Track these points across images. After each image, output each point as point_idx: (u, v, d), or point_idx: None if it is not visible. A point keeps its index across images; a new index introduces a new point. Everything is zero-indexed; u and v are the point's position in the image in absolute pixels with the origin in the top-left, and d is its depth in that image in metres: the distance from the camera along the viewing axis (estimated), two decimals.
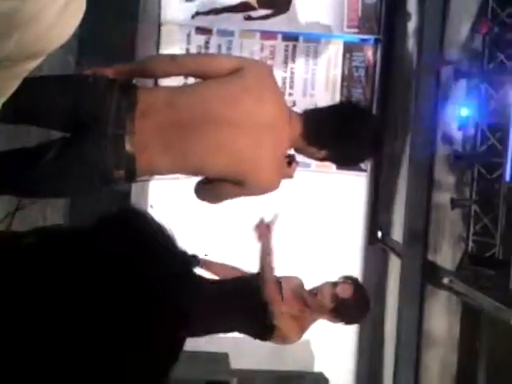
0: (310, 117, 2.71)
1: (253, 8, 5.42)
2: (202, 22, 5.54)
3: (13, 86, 1.36)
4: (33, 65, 1.32)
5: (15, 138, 3.24)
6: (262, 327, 3.53)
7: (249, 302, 3.57)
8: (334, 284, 3.72)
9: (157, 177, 5.50)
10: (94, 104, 2.54)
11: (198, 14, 5.52)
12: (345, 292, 3.66)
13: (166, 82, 5.46)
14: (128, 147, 2.50)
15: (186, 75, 2.84)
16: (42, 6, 1.19)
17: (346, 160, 2.97)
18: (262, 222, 3.68)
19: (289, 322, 3.57)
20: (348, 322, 3.84)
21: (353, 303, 3.66)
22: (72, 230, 0.96)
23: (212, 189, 2.70)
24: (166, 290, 0.91)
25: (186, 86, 2.73)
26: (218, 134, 2.56)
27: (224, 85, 2.61)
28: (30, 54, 1.28)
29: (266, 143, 2.59)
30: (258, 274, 3.66)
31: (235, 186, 2.63)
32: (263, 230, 3.68)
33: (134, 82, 2.74)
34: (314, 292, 3.73)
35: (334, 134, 2.67)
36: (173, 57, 2.84)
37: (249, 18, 5.51)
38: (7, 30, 1.18)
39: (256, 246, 3.77)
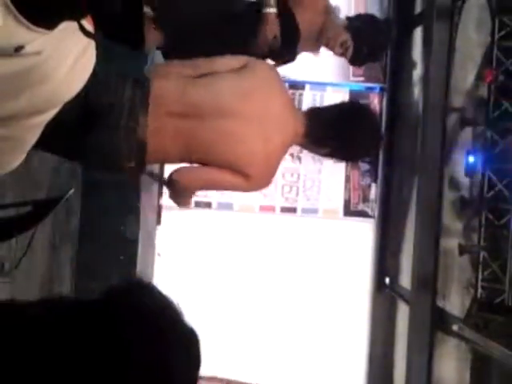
0: (314, 116, 2.78)
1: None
2: None
3: (31, 138, 1.38)
4: (46, 117, 1.35)
5: None
6: None
7: None
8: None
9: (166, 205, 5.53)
10: (105, 94, 2.56)
11: None
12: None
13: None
14: (140, 138, 2.55)
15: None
16: (55, 65, 1.21)
17: (348, 158, 3.07)
18: None
19: None
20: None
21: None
22: (78, 306, 0.96)
23: (206, 170, 2.71)
24: (174, 370, 0.91)
25: (198, 79, 2.77)
26: (228, 125, 2.64)
27: (235, 79, 2.70)
28: (42, 109, 1.31)
29: (274, 138, 2.67)
30: None
31: (236, 177, 2.67)
32: None
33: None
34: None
35: (338, 133, 2.75)
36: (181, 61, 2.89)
37: None
38: (21, 88, 1.20)
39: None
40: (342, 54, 3.68)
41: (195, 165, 2.73)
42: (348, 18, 3.72)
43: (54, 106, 1.32)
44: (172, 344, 0.93)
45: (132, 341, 0.89)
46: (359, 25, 3.67)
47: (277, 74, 2.80)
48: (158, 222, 5.71)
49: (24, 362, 0.84)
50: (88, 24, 1.26)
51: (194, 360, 0.96)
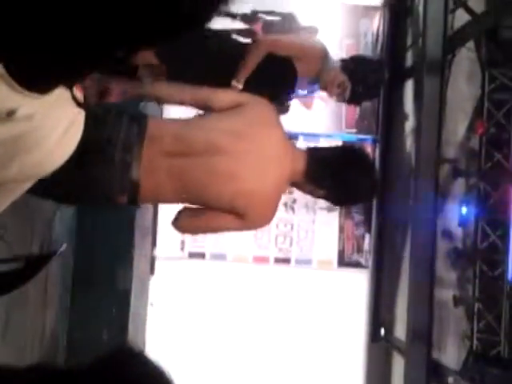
0: (313, 155, 2.77)
1: None
2: None
3: (9, 200, 1.38)
4: (30, 183, 1.35)
5: None
6: None
7: None
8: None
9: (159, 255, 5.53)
10: (101, 129, 2.57)
11: None
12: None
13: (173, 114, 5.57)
14: (134, 174, 2.54)
15: (188, 104, 2.88)
16: (46, 132, 1.22)
17: (343, 201, 3.06)
18: None
19: None
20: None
21: None
22: (69, 374, 0.95)
23: (204, 220, 2.69)
24: None
25: (194, 118, 2.78)
26: (223, 165, 2.61)
27: (231, 118, 2.68)
28: (31, 176, 1.31)
29: (270, 177, 2.64)
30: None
31: (232, 218, 2.64)
32: None
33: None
34: None
35: (336, 176, 2.74)
36: (181, 86, 2.90)
37: None
38: (13, 155, 1.20)
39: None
40: (339, 95, 3.71)
41: (192, 207, 2.71)
42: (342, 61, 3.78)
43: (42, 174, 1.32)
44: None
45: None
46: (353, 66, 3.74)
47: (274, 112, 2.77)
48: (152, 271, 5.69)
49: None
50: (79, 92, 1.27)
51: None
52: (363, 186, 2.82)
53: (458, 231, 4.81)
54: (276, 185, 2.68)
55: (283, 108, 3.83)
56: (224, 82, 3.31)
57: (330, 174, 2.74)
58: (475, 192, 4.58)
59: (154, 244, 5.55)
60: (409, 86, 5.45)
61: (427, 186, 4.75)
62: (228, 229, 2.77)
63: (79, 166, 2.53)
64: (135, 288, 5.14)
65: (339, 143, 5.68)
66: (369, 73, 3.76)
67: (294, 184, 2.83)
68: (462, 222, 4.62)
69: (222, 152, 2.61)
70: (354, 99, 3.81)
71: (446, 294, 4.76)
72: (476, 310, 4.48)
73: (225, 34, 3.77)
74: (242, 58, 3.48)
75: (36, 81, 1.07)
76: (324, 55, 3.68)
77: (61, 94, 1.17)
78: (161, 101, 3.20)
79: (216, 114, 2.71)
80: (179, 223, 2.73)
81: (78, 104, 1.25)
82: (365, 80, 3.72)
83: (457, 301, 4.62)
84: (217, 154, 2.61)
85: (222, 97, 2.77)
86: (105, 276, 4.90)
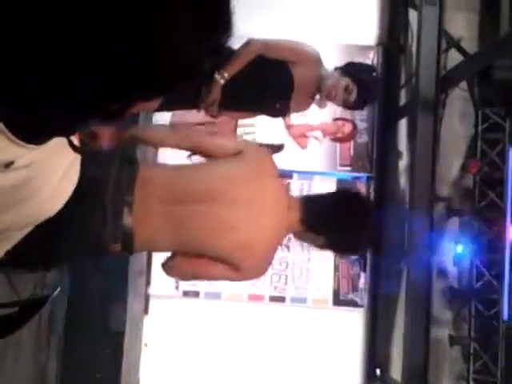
0: (309, 203, 2.71)
1: None
2: None
3: (4, 249, 1.37)
4: (25, 232, 1.34)
5: None
6: None
7: None
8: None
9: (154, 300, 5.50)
10: (92, 172, 2.51)
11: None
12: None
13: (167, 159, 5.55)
14: (126, 220, 2.46)
15: (185, 149, 2.82)
16: (43, 181, 1.22)
17: (344, 248, 2.99)
18: None
19: None
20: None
21: None
22: None
23: (196, 266, 2.60)
24: None
25: (190, 164, 2.72)
26: (219, 213, 2.54)
27: (227, 166, 2.62)
28: (26, 224, 1.31)
29: (267, 228, 2.57)
30: None
31: (226, 267, 2.56)
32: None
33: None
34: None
35: (334, 222, 2.68)
36: (176, 130, 2.85)
37: None
38: (9, 204, 1.20)
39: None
40: (345, 101, 3.66)
41: (184, 255, 2.61)
42: (336, 68, 3.73)
43: (35, 222, 1.32)
44: None
45: None
46: (353, 69, 3.71)
47: (272, 161, 2.72)
48: (146, 311, 5.65)
49: None
50: (75, 138, 1.27)
51: None
52: (362, 228, 2.76)
53: (453, 270, 4.80)
54: (273, 236, 2.61)
55: (280, 112, 3.78)
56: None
57: (327, 220, 2.69)
58: (469, 231, 4.58)
59: (148, 282, 5.52)
60: (403, 125, 5.48)
61: (422, 224, 4.74)
62: (220, 278, 2.68)
63: (69, 213, 2.51)
64: (129, 328, 5.09)
65: (333, 181, 5.68)
66: (367, 74, 3.75)
67: (295, 235, 2.76)
68: (457, 261, 4.62)
69: (218, 201, 2.55)
70: (360, 102, 3.75)
71: (441, 333, 4.74)
72: (472, 350, 4.46)
73: None
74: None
75: (34, 133, 1.08)
76: (319, 61, 3.65)
77: (57, 141, 1.17)
78: (155, 146, 3.16)
79: (213, 160, 2.66)
80: (169, 268, 2.65)
81: (74, 149, 1.26)
82: (367, 81, 3.70)
83: (453, 341, 4.60)
84: (213, 203, 2.54)
85: (223, 144, 2.74)
86: (98, 317, 4.86)
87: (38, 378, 4.33)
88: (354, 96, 3.62)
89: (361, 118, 5.68)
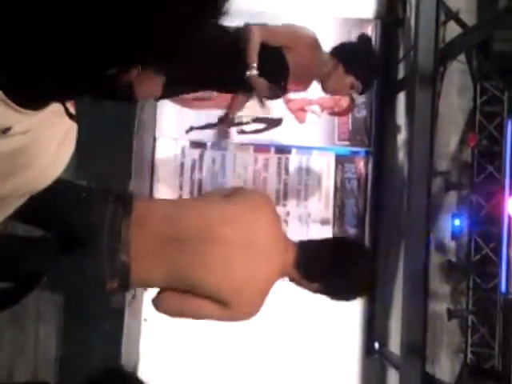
0: (304, 249, 2.68)
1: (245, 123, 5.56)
2: (197, 136, 5.65)
3: (2, 216, 1.38)
4: (24, 199, 1.35)
5: None
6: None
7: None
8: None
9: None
10: (86, 214, 2.51)
11: (192, 128, 5.64)
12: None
13: (162, 194, 5.55)
14: (123, 259, 2.47)
15: None
16: (40, 149, 1.23)
17: (338, 295, 2.95)
18: None
19: None
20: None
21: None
22: None
23: (186, 302, 2.59)
24: None
25: (185, 200, 2.71)
26: (213, 252, 2.53)
27: (224, 205, 2.62)
28: (25, 193, 1.31)
29: (261, 269, 2.55)
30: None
31: (216, 306, 2.55)
32: None
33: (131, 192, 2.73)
34: None
35: (327, 270, 2.65)
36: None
37: (242, 132, 5.63)
38: (8, 172, 1.21)
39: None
40: (349, 95, 3.64)
41: (174, 292, 2.59)
42: (333, 52, 3.57)
43: (34, 190, 1.32)
44: None
45: None
46: (350, 60, 3.57)
47: (270, 204, 2.71)
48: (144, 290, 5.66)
49: None
50: (71, 106, 1.28)
51: None
52: (360, 276, 2.71)
53: (451, 244, 4.80)
54: (266, 278, 2.58)
55: (275, 95, 3.72)
56: (220, 74, 3.24)
57: (321, 269, 2.63)
58: (467, 204, 4.58)
59: None
60: (401, 99, 5.45)
61: (420, 199, 4.74)
62: (209, 316, 2.65)
63: (66, 253, 2.51)
64: (128, 302, 5.11)
65: (332, 156, 5.67)
66: (366, 55, 3.61)
67: (289, 279, 2.71)
68: (455, 235, 4.62)
69: (213, 239, 2.54)
70: (366, 90, 3.68)
71: (439, 307, 4.75)
72: (470, 323, 4.47)
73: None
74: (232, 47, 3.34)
75: (31, 99, 1.08)
76: (317, 46, 3.56)
77: (54, 108, 1.18)
78: None
79: (209, 199, 2.69)
80: (157, 304, 2.64)
81: (71, 117, 1.27)
82: (371, 75, 3.62)
83: (450, 314, 4.61)
84: (207, 241, 2.54)
85: (219, 192, 2.74)
86: (98, 293, 4.87)
87: (37, 353, 4.35)
88: (359, 91, 3.57)
89: None
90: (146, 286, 2.87)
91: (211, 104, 5.41)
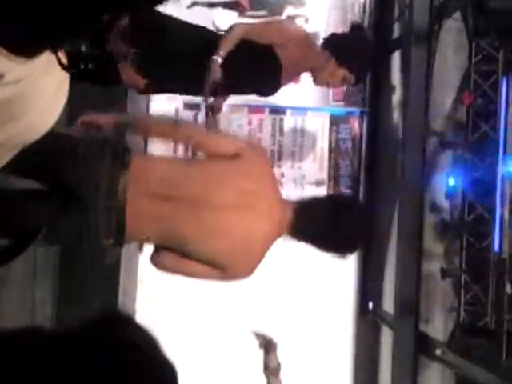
0: (300, 208, 2.66)
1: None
2: (190, 97, 5.61)
3: None
4: (16, 151, 1.35)
5: None
6: None
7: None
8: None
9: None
10: (82, 171, 2.48)
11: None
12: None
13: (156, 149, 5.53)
14: (119, 216, 2.44)
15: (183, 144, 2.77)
16: (34, 99, 1.23)
17: (333, 250, 2.96)
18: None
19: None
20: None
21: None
22: (57, 340, 0.95)
23: (183, 263, 2.57)
24: None
25: (182, 161, 2.68)
26: (209, 214, 2.50)
27: (222, 167, 2.57)
28: (16, 145, 1.31)
29: (259, 234, 2.52)
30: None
31: (212, 269, 2.53)
32: None
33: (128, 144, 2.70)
34: None
35: (323, 226, 2.66)
36: (176, 124, 2.79)
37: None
38: (2, 121, 1.21)
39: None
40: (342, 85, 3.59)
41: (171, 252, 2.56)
42: (324, 44, 3.54)
43: (27, 141, 1.32)
44: (147, 378, 0.93)
45: (103, 374, 0.89)
46: (341, 53, 3.59)
47: (269, 165, 2.68)
48: (140, 249, 5.67)
49: None
50: (63, 56, 1.27)
51: None
52: (355, 236, 2.65)
53: (445, 204, 4.81)
54: (264, 239, 2.55)
55: (270, 92, 3.70)
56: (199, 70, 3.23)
57: (318, 224, 2.59)
58: (462, 164, 4.57)
59: None
60: (396, 58, 5.41)
61: (414, 159, 4.73)
62: (205, 277, 2.63)
63: (63, 208, 2.50)
64: (124, 264, 5.12)
65: (327, 117, 5.65)
66: (359, 46, 3.63)
67: (285, 235, 2.65)
68: (449, 195, 4.62)
69: (209, 201, 2.50)
70: (358, 82, 3.67)
71: (433, 266, 4.77)
72: (463, 282, 4.49)
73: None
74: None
75: (22, 45, 1.08)
76: (305, 39, 3.53)
77: (47, 58, 1.18)
78: (149, 136, 3.10)
79: (210, 160, 2.60)
80: (157, 260, 2.61)
81: (63, 68, 1.26)
82: (364, 68, 3.58)
83: (444, 273, 4.63)
84: (204, 203, 2.50)
85: (221, 144, 2.70)
86: (92, 253, 4.88)
87: (33, 309, 4.37)
88: (351, 83, 3.55)
89: None
90: (139, 242, 2.86)
91: None
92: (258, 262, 2.60)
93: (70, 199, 2.50)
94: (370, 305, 5.54)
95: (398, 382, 4.65)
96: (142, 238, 2.59)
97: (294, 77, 3.64)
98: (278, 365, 3.65)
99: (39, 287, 4.43)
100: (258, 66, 3.30)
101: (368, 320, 5.58)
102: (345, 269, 5.58)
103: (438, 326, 4.74)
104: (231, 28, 3.36)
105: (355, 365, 5.57)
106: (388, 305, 5.19)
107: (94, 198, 2.45)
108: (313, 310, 5.55)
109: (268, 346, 3.65)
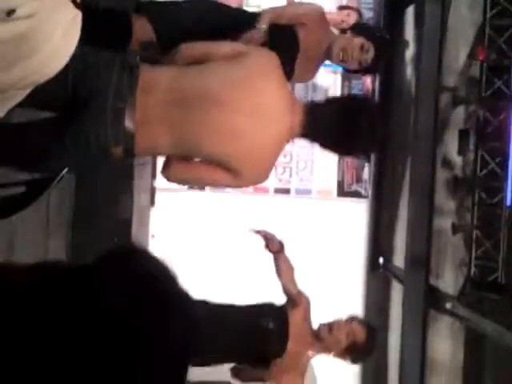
0: (312, 110, 2.63)
1: None
2: None
3: (7, 108, 1.38)
4: (28, 91, 1.35)
5: None
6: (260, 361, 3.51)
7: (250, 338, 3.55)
8: (348, 322, 3.61)
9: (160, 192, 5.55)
10: (92, 78, 2.47)
11: None
12: (360, 333, 3.54)
13: None
14: (128, 124, 2.45)
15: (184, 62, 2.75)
16: (46, 35, 1.21)
17: (344, 153, 2.96)
18: (271, 238, 3.72)
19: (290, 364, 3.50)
20: (355, 360, 3.73)
21: (365, 346, 3.57)
22: (72, 271, 0.95)
23: (195, 170, 2.60)
24: (165, 333, 0.91)
25: (190, 67, 2.67)
26: (220, 116, 2.51)
27: (230, 68, 2.57)
28: (29, 84, 1.31)
29: (270, 133, 2.54)
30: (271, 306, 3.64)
31: (226, 172, 2.54)
32: (276, 247, 3.72)
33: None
34: (328, 326, 3.61)
35: (336, 132, 2.64)
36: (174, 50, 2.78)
37: None
38: (14, 58, 1.20)
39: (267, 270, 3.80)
40: (361, 62, 3.38)
41: (183, 160, 2.58)
42: (345, 30, 3.53)
43: (40, 80, 1.32)
44: (164, 307, 0.94)
45: (119, 305, 0.90)
46: (361, 28, 3.52)
47: (277, 63, 2.62)
48: (152, 203, 5.71)
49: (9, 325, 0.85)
50: None
51: (188, 323, 0.96)
52: (367, 137, 2.64)
53: (457, 160, 4.80)
54: (275, 141, 2.57)
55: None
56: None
57: (330, 131, 2.61)
58: (475, 120, 4.55)
59: (153, 176, 5.55)
60: (410, 13, 5.36)
61: (427, 115, 4.72)
62: (219, 183, 2.67)
63: (72, 117, 2.48)
64: (135, 219, 5.16)
65: (338, 73, 5.62)
66: (378, 34, 3.56)
67: (296, 137, 2.69)
68: (462, 150, 4.61)
69: (220, 103, 2.50)
70: (376, 62, 3.45)
71: (444, 222, 4.79)
72: (474, 237, 4.50)
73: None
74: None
75: None
76: (325, 21, 3.44)
77: None
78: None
79: (214, 63, 2.59)
80: (168, 171, 2.62)
81: (75, 5, 1.25)
82: (384, 39, 3.52)
83: (455, 229, 4.65)
84: (215, 105, 2.50)
85: (222, 46, 2.68)
86: (105, 206, 4.91)
87: (46, 259, 4.42)
88: (371, 55, 3.36)
89: (367, 6, 5.57)
90: (152, 153, 2.85)
91: None
92: (270, 167, 2.63)
93: (78, 111, 2.48)
94: (381, 260, 5.59)
95: (408, 336, 4.71)
96: (154, 147, 2.57)
97: (309, 67, 3.49)
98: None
99: (52, 236, 4.46)
100: (275, 44, 3.23)
101: (379, 275, 5.63)
102: (356, 224, 5.62)
103: (448, 282, 4.78)
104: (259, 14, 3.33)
105: (365, 318, 5.63)
106: (399, 260, 5.22)
107: (102, 103, 2.44)
108: (324, 266, 5.59)
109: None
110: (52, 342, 0.84)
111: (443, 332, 4.80)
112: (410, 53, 5.32)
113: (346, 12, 5.27)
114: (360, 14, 5.33)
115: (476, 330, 4.44)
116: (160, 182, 5.63)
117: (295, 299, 3.60)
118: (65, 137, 2.49)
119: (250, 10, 4.96)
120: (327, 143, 2.68)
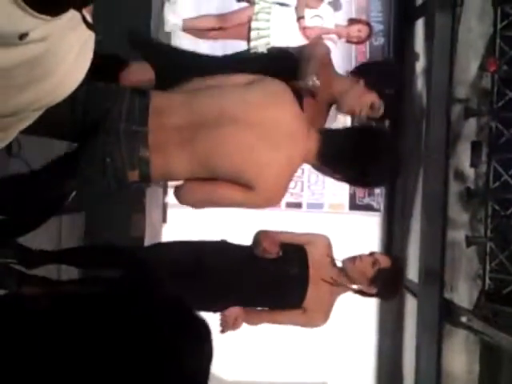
0: (327, 139, 2.64)
1: None
2: None
3: (19, 129, 1.39)
4: (41, 112, 1.36)
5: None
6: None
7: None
8: (370, 254, 3.64)
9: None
10: (104, 101, 2.49)
11: None
12: (385, 261, 3.52)
13: None
14: (142, 148, 2.46)
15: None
16: (59, 58, 1.22)
17: (361, 184, 2.93)
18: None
19: (318, 297, 3.65)
20: (381, 293, 3.66)
21: (392, 274, 3.52)
22: (88, 299, 0.96)
23: (208, 189, 2.60)
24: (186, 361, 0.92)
25: (202, 89, 2.68)
26: (236, 136, 2.53)
27: (244, 90, 2.60)
28: (42, 106, 1.31)
29: (283, 153, 2.55)
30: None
31: (240, 189, 2.56)
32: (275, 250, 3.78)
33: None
34: (351, 259, 3.64)
35: (350, 160, 2.63)
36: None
37: None
38: (28, 81, 1.21)
39: None
40: (370, 117, 3.29)
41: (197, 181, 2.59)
42: (352, 72, 3.40)
43: (53, 102, 1.32)
44: (185, 336, 0.95)
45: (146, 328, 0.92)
46: (372, 69, 3.39)
47: (288, 91, 2.64)
48: (164, 219, 5.70)
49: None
50: (88, 15, 1.27)
51: (207, 352, 0.96)
52: (384, 169, 2.65)
53: (470, 172, 4.78)
54: (289, 162, 2.57)
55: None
56: None
57: (346, 159, 2.61)
58: (487, 131, 4.54)
59: (165, 192, 5.55)
60: (419, 25, 5.36)
61: (439, 127, 4.71)
62: (233, 201, 2.64)
63: (84, 140, 2.49)
64: (148, 235, 5.16)
65: None
66: (388, 77, 3.38)
67: (312, 166, 2.71)
68: (474, 162, 4.59)
69: (233, 122, 2.52)
70: (387, 114, 3.35)
71: (458, 234, 4.75)
72: (488, 249, 4.48)
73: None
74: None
75: (48, 3, 1.08)
76: (329, 60, 3.30)
77: (71, 17, 1.17)
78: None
79: (227, 86, 2.62)
80: (181, 193, 2.64)
81: (88, 26, 1.25)
82: (394, 95, 3.31)
83: (469, 241, 4.62)
84: (228, 125, 2.52)
85: (235, 76, 2.69)
86: (117, 224, 4.92)
87: (59, 278, 4.42)
88: (381, 111, 3.26)
89: (377, 19, 5.57)
90: (168, 177, 2.84)
91: (226, 34, 5.35)
92: (285, 185, 2.61)
93: (89, 136, 2.48)
94: None
95: (423, 349, 4.67)
96: (170, 171, 2.56)
97: (318, 111, 3.28)
98: None
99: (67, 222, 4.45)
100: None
101: None
102: (369, 238, 5.59)
103: (462, 295, 4.74)
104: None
105: (379, 333, 5.60)
106: (412, 274, 5.19)
107: (115, 121, 2.45)
108: None
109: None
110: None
111: (458, 345, 4.76)
112: (420, 65, 5.31)
113: (356, 28, 5.26)
114: (370, 28, 5.33)
115: (491, 343, 4.40)
116: (172, 198, 5.63)
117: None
118: (81, 161, 2.50)
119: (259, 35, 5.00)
120: (341, 171, 2.67)
